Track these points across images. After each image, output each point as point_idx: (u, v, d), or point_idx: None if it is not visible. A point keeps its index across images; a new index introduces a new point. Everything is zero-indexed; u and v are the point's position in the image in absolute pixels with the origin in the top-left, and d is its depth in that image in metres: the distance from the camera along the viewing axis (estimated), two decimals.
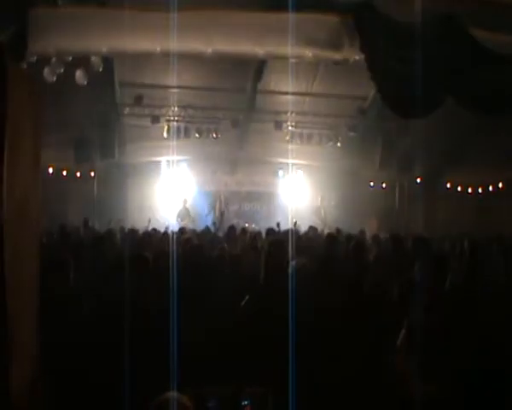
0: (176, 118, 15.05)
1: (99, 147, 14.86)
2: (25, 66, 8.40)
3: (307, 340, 3.73)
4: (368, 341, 3.87)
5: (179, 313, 3.93)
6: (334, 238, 8.24)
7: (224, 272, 5.73)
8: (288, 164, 17.46)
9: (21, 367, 2.91)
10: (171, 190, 17.30)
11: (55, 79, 9.98)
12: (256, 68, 12.82)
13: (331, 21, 9.02)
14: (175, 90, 13.91)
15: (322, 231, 12.33)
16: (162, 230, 10.83)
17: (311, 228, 11.67)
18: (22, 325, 2.94)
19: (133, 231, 9.96)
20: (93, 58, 10.51)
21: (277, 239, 6.07)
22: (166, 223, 13.85)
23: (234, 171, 18.43)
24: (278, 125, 15.13)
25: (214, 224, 11.03)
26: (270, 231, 9.31)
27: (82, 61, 10.60)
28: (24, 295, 3.01)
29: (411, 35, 8.12)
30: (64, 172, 15.60)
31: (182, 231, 9.90)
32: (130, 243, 8.02)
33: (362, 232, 11.22)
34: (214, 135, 15.33)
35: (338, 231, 10.98)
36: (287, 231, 9.38)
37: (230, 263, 5.97)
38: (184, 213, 16.39)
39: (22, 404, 2.90)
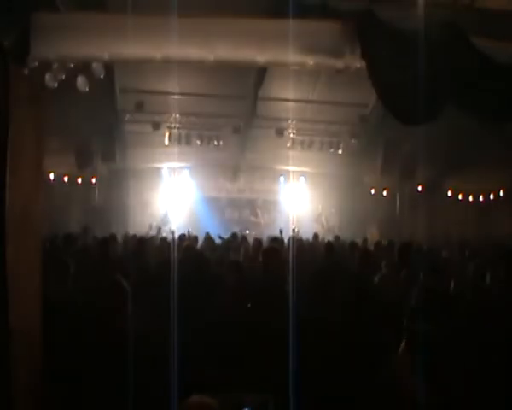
0: (177, 125, 15.06)
1: (100, 153, 14.88)
2: (27, 71, 8.39)
3: (307, 346, 3.71)
4: (371, 348, 3.85)
5: (179, 320, 3.92)
6: (333, 246, 8.26)
7: (225, 279, 5.70)
8: (289, 171, 17.48)
9: (23, 367, 2.90)
10: (172, 196, 17.31)
11: (56, 85, 9.99)
12: (257, 75, 12.83)
13: (332, 29, 9.01)
14: (176, 97, 13.92)
15: (323, 238, 12.31)
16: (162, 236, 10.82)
17: (313, 235, 11.68)
18: (24, 327, 2.94)
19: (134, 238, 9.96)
20: (94, 64, 10.52)
21: (272, 247, 6.06)
22: (167, 230, 13.84)
23: (235, 178, 18.44)
24: (279, 131, 15.13)
25: (220, 236, 10.83)
26: (272, 239, 9.31)
27: (83, 67, 10.61)
28: (26, 296, 3.00)
29: (412, 42, 8.13)
30: (65, 178, 15.60)
31: (182, 237, 9.89)
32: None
33: (365, 241, 11.17)
34: (215, 142, 15.35)
35: (337, 238, 10.98)
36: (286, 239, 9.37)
37: (231, 270, 5.94)
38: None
39: (23, 404, 2.89)
